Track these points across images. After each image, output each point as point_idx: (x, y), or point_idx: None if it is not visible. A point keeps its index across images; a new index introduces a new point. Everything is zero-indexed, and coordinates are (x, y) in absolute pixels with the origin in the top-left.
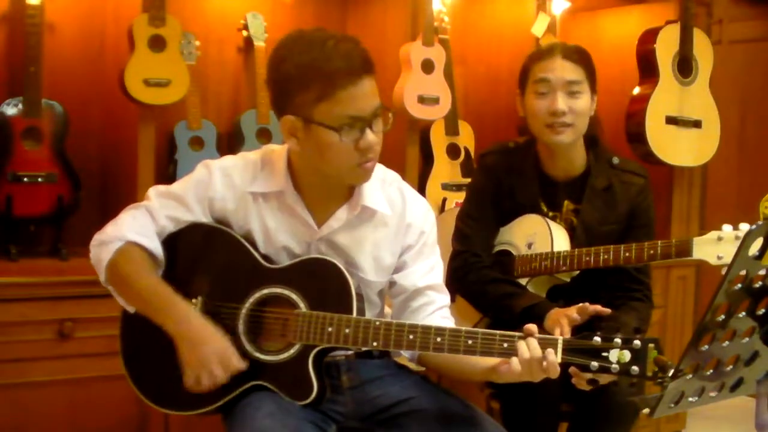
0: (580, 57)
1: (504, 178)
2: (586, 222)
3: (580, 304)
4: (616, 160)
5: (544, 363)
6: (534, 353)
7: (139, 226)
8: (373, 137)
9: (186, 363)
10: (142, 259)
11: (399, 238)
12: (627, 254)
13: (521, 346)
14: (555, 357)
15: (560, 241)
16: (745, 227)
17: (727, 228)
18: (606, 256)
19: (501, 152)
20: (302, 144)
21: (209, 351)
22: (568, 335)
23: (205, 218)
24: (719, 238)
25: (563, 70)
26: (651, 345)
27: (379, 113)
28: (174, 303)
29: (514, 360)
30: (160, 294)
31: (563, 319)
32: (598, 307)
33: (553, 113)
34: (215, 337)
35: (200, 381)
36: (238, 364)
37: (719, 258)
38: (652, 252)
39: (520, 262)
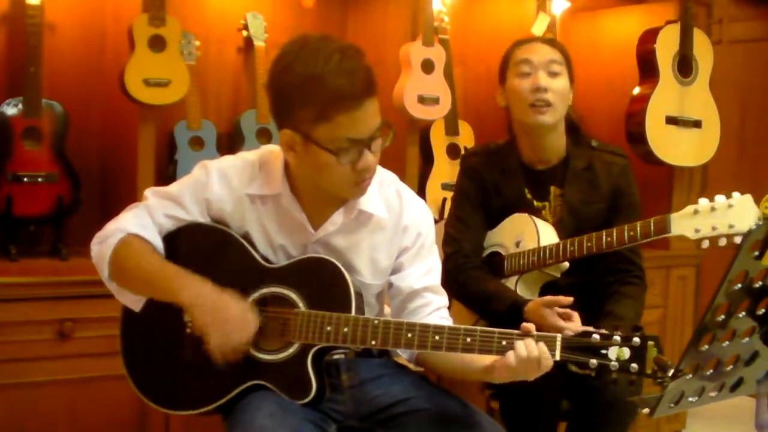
0: (559, 45)
1: (487, 176)
2: (571, 203)
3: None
4: (595, 143)
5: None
6: (531, 353)
7: (139, 221)
8: (370, 158)
9: (206, 329)
10: (145, 246)
11: (396, 241)
12: (608, 239)
13: (519, 345)
14: (546, 350)
15: (547, 235)
16: (720, 198)
17: (703, 201)
18: (589, 244)
19: (481, 153)
20: (299, 158)
21: (229, 314)
22: (558, 323)
23: (202, 219)
24: (696, 212)
25: (543, 51)
26: (651, 342)
27: (378, 134)
28: (185, 276)
29: (510, 354)
30: (168, 271)
31: (542, 310)
32: (561, 299)
33: (536, 89)
34: (231, 301)
35: (229, 341)
36: (255, 327)
37: (697, 231)
38: (632, 233)
39: (510, 260)
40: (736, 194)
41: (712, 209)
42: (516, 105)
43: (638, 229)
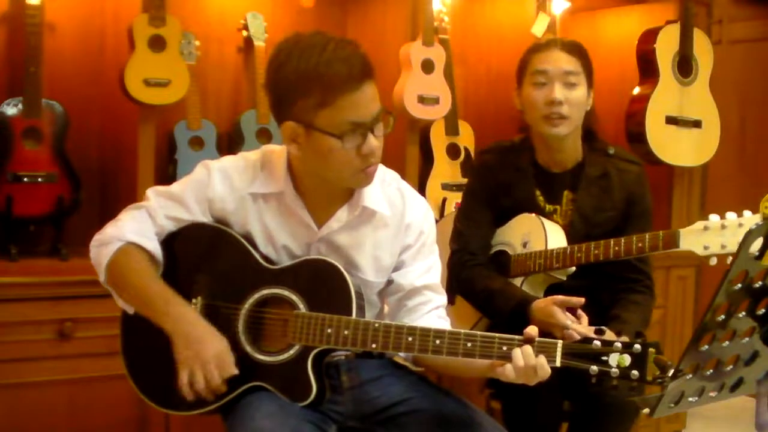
0: (578, 50)
1: (499, 175)
2: (582, 209)
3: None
4: (611, 150)
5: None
6: (528, 361)
7: (139, 227)
8: (375, 142)
9: (181, 362)
10: (141, 259)
11: (399, 239)
12: (616, 248)
13: (516, 354)
14: (545, 361)
15: (555, 238)
16: (731, 216)
17: (713, 217)
18: (597, 251)
19: (496, 151)
20: (303, 149)
21: (207, 351)
22: (566, 321)
23: (204, 218)
24: (705, 228)
25: (560, 60)
26: (651, 349)
27: (380, 118)
28: (173, 302)
29: (509, 367)
30: (158, 293)
31: (552, 307)
32: (573, 299)
33: (550, 103)
34: (214, 338)
35: (195, 380)
36: (233, 369)
37: (705, 248)
38: (640, 245)
39: (515, 261)
40: (747, 213)
41: (723, 227)
42: (531, 114)
43: (647, 241)
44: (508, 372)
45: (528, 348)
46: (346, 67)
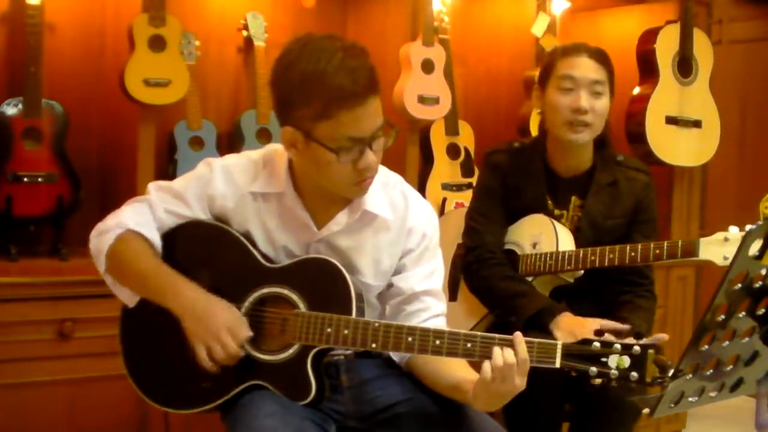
0: (605, 59)
1: (509, 177)
2: (591, 216)
3: (599, 325)
4: (620, 158)
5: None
6: (507, 360)
7: (140, 218)
8: (372, 157)
9: (195, 338)
10: (142, 245)
11: (400, 242)
12: (632, 254)
13: (496, 352)
14: (524, 352)
15: (565, 241)
16: (751, 228)
17: (733, 229)
18: (611, 256)
19: (507, 151)
20: (301, 156)
21: (218, 322)
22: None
23: (204, 215)
24: (726, 239)
25: (589, 69)
26: (651, 351)
27: (380, 134)
28: (177, 281)
29: (486, 366)
30: (162, 274)
31: (582, 329)
32: (617, 325)
33: (577, 110)
34: (222, 308)
35: (213, 352)
36: (247, 332)
37: (725, 258)
38: (657, 252)
39: (525, 261)
40: None
41: None
42: (553, 119)
43: (665, 248)
44: (484, 372)
45: (509, 350)
46: (351, 80)
